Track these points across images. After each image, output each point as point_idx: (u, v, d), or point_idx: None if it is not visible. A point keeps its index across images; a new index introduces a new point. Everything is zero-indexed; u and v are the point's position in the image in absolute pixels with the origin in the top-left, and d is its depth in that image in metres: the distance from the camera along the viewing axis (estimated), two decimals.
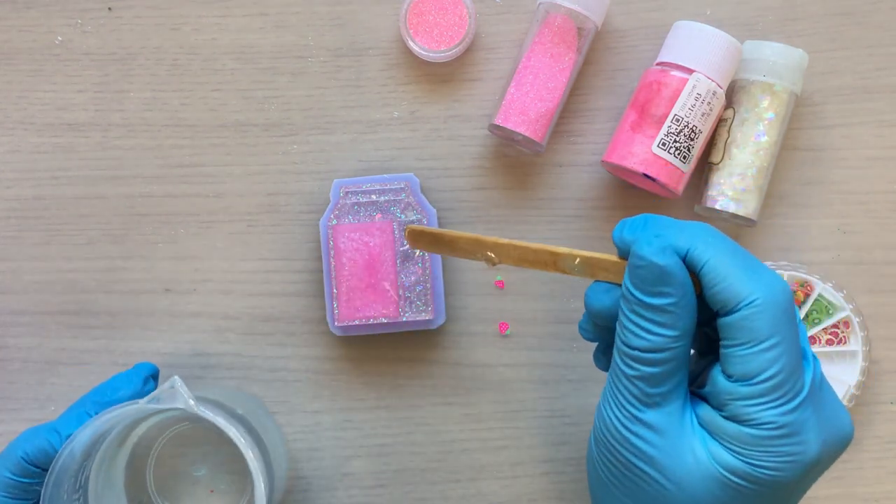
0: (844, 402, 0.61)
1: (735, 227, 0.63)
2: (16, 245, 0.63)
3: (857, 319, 0.61)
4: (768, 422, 0.43)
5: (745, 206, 0.60)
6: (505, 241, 0.49)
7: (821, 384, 0.46)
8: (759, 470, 0.44)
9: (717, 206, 0.61)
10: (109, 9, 0.64)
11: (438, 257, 0.61)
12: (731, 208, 0.60)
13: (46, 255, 0.63)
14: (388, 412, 0.63)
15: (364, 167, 0.63)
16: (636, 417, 0.45)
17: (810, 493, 0.63)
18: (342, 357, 0.63)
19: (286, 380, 0.63)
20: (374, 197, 0.61)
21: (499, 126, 0.61)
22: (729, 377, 0.44)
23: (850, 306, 0.61)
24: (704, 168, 0.62)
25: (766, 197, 0.62)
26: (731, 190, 0.60)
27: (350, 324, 0.60)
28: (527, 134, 0.60)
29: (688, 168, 0.59)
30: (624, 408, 0.46)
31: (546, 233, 0.63)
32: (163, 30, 0.63)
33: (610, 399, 0.47)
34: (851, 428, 0.46)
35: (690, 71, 0.58)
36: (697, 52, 0.59)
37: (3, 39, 0.64)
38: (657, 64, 0.60)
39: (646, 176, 0.59)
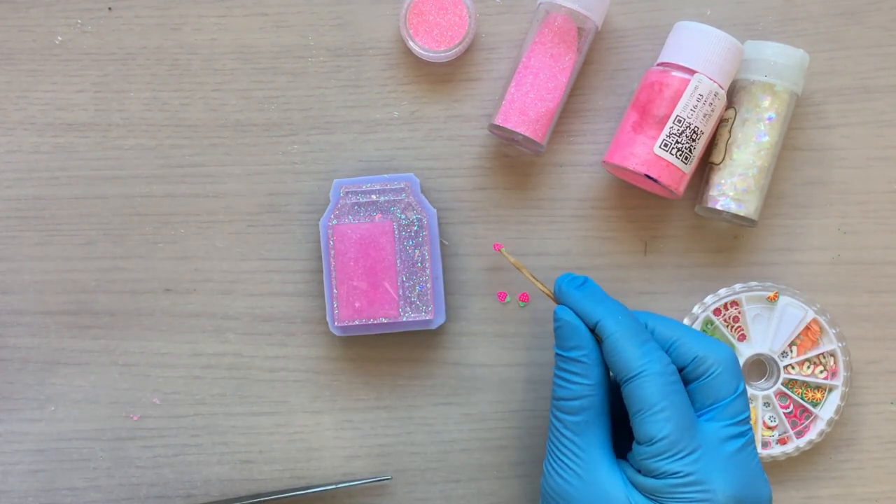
0: (837, 401, 0.62)
1: (735, 227, 0.63)
2: (16, 245, 0.63)
3: (844, 359, 0.62)
4: (675, 472, 0.51)
5: (746, 207, 0.60)
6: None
7: (743, 449, 0.53)
8: None
9: (718, 206, 0.60)
10: (109, 9, 0.64)
11: (438, 258, 0.61)
12: (732, 208, 0.60)
13: (46, 255, 0.63)
14: (388, 412, 0.63)
15: (364, 167, 0.63)
16: (564, 464, 0.54)
17: (810, 492, 0.64)
18: (342, 357, 0.63)
19: (286, 380, 0.63)
20: (374, 197, 0.61)
21: (499, 126, 0.61)
22: (637, 440, 0.53)
23: (841, 345, 0.62)
24: (705, 168, 0.62)
25: (766, 197, 0.62)
26: (732, 190, 0.60)
27: (350, 324, 0.60)
28: (527, 134, 0.60)
29: (689, 169, 0.59)
30: (554, 454, 0.55)
31: (546, 233, 0.63)
32: (163, 30, 0.63)
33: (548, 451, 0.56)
34: (768, 491, 0.53)
35: (692, 72, 0.58)
36: (699, 52, 0.58)
37: (3, 39, 0.64)
38: (658, 64, 0.60)
39: (648, 177, 0.59)
